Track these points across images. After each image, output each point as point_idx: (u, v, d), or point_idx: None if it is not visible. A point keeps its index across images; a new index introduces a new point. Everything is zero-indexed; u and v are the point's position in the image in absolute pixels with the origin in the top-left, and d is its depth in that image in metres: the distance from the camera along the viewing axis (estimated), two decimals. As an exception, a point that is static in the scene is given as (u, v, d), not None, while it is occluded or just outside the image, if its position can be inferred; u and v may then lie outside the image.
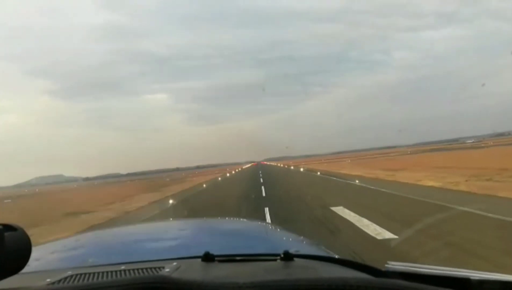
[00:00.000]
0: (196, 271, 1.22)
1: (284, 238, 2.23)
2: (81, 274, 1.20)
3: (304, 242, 2.09)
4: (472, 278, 0.93)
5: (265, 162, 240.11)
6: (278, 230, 2.60)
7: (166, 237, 2.10)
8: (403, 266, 1.11)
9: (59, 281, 1.15)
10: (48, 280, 1.15)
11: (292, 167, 69.32)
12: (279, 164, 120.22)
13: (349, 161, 75.10)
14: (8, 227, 0.81)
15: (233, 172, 76.62)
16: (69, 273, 1.22)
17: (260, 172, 53.18)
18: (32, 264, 1.10)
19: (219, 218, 4.89)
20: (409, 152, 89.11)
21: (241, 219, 3.54)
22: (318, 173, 36.82)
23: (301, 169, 52.46)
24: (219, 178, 48.09)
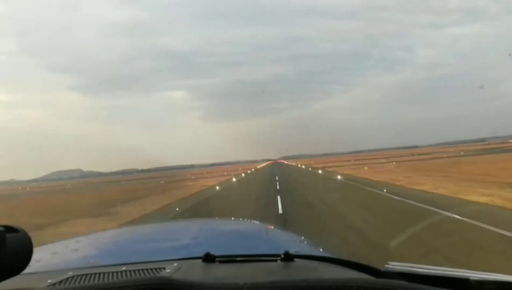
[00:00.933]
0: (197, 272, 1.23)
1: (284, 239, 2.25)
2: (82, 275, 1.21)
3: (305, 243, 2.16)
4: (471, 278, 0.94)
5: (282, 161, 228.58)
6: (279, 230, 2.73)
7: (167, 238, 2.11)
8: (402, 266, 1.12)
9: (60, 282, 1.16)
10: (49, 281, 1.16)
11: (319, 171, 48.83)
12: (299, 164, 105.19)
13: (394, 164, 52.70)
14: (10, 229, 0.83)
15: (243, 174, 61.50)
16: (70, 274, 1.23)
17: (277, 178, 37.44)
18: (34, 265, 1.13)
19: (219, 219, 5.13)
20: (462, 153, 71.48)
21: (242, 220, 3.72)
22: (384, 191, 18.52)
23: (338, 177, 32.64)
24: (218, 187, 33.31)
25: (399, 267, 1.11)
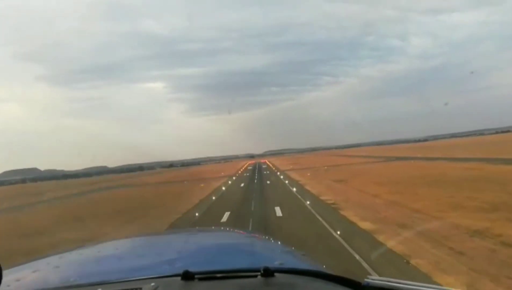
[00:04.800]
0: None
1: (267, 251, 2.22)
2: None
3: (287, 254, 2.11)
4: None
5: (265, 160, 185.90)
6: (262, 241, 2.62)
7: (146, 253, 2.08)
8: (382, 281, 1.19)
9: None
10: None
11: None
12: (284, 166, 71.97)
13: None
14: None
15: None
16: None
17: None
18: (13, 284, 1.16)
19: (201, 230, 4.80)
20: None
21: (224, 230, 3.72)
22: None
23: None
24: None
25: (379, 282, 1.16)
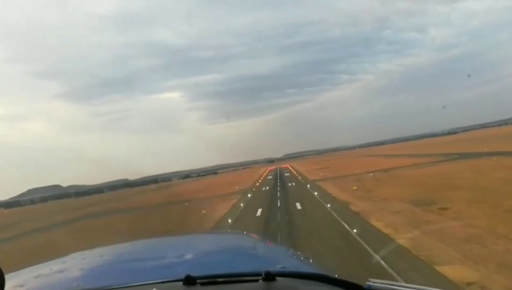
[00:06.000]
0: None
1: (269, 254, 2.20)
2: None
3: (290, 257, 2.12)
4: None
5: (286, 165, 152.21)
6: (264, 244, 2.63)
7: (147, 257, 2.09)
8: (384, 284, 1.21)
9: None
10: None
11: None
12: (311, 173, 56.83)
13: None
14: None
15: None
16: None
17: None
18: None
19: (203, 233, 4.82)
20: None
21: (226, 233, 3.71)
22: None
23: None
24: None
25: (380, 285, 1.17)
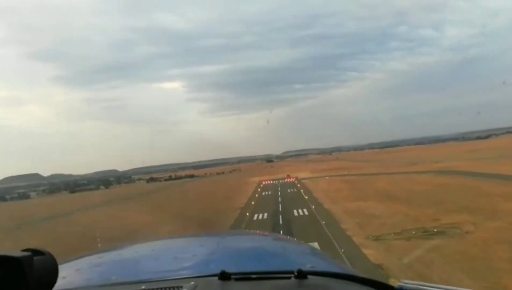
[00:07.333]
0: None
1: (299, 253, 2.24)
2: None
3: (319, 257, 2.18)
4: None
5: (291, 179, 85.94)
6: (293, 244, 2.70)
7: (184, 254, 2.13)
8: (416, 285, 1.23)
9: None
10: None
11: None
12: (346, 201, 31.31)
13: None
14: (37, 252, 0.92)
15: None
16: None
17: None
18: (59, 281, 1.25)
19: (233, 233, 5.11)
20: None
21: (256, 233, 3.60)
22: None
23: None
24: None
25: (412, 286, 1.18)
